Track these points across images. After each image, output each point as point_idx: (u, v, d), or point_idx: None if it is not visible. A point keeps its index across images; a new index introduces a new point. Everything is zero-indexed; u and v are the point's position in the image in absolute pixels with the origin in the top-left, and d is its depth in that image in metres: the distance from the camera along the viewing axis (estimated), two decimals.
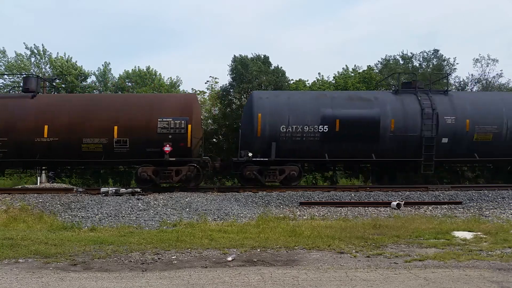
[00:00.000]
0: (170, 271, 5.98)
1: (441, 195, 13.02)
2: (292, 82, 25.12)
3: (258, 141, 14.22)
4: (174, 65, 65.04)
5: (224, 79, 46.22)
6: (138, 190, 13.40)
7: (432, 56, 29.20)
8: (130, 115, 13.83)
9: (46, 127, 13.64)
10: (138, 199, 12.27)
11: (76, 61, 28.41)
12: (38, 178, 20.94)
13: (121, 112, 13.90)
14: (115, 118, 13.77)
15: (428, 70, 28.67)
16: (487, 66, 28.91)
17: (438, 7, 65.59)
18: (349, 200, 12.49)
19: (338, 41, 70.31)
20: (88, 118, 13.77)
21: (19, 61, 27.64)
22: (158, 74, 30.61)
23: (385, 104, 14.50)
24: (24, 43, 35.25)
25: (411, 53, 29.71)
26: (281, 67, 24.34)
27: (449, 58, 29.23)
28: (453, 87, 29.30)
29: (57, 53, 28.74)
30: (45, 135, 13.60)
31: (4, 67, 27.69)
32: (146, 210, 11.10)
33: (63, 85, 26.94)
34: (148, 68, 30.10)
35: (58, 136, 13.61)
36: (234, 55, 24.40)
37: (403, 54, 29.89)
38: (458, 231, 8.76)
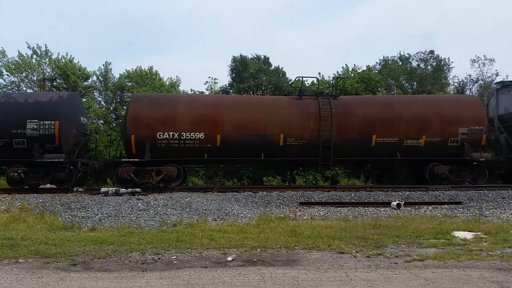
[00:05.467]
0: (170, 271, 5.98)
1: (441, 195, 13.02)
2: (291, 82, 25.13)
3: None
4: (174, 65, 65.09)
5: (224, 79, 46.24)
6: (138, 190, 13.40)
7: (429, 57, 29.24)
8: None
9: None
10: (138, 199, 12.27)
11: (78, 62, 28.46)
12: None
13: None
14: None
15: (427, 70, 28.70)
16: (484, 66, 28.97)
17: (437, 7, 65.63)
18: (349, 200, 12.49)
19: (338, 41, 70.34)
20: None
21: (21, 61, 27.63)
22: (158, 74, 30.59)
23: None
24: (26, 42, 35.11)
25: (408, 54, 29.77)
26: (282, 67, 24.34)
27: (445, 58, 29.33)
28: (452, 87, 29.34)
29: (58, 53, 28.78)
30: None
31: (4, 67, 27.66)
32: (146, 210, 11.10)
33: (64, 85, 26.93)
34: (150, 68, 30.09)
35: None
36: (234, 56, 24.45)
37: (400, 55, 29.93)
38: (458, 231, 8.76)
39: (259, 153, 14.38)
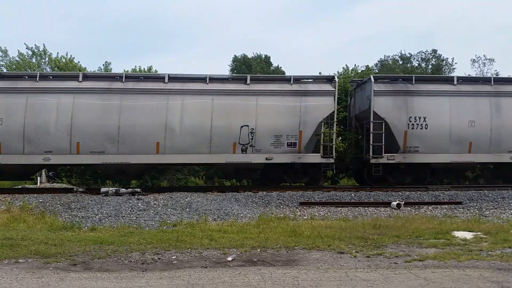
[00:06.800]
0: (170, 271, 5.98)
1: (441, 195, 13.02)
2: None
3: None
4: (174, 65, 65.14)
5: None
6: (138, 190, 13.40)
7: (431, 56, 29.24)
8: None
9: None
10: (138, 199, 12.27)
11: (78, 62, 28.45)
12: (38, 178, 20.89)
13: None
14: None
15: (428, 70, 28.70)
16: (484, 66, 29.03)
17: (437, 7, 65.67)
18: (349, 200, 12.49)
19: (338, 41, 70.36)
20: None
21: (21, 61, 27.64)
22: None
23: None
24: (24, 43, 35.22)
25: (409, 54, 29.76)
26: (281, 67, 24.34)
27: (447, 58, 29.34)
28: None
29: (58, 53, 28.77)
30: None
31: (5, 66, 27.67)
32: (146, 210, 11.10)
33: None
34: (150, 68, 30.06)
35: None
36: (235, 55, 24.44)
37: (401, 54, 29.92)
38: (458, 231, 8.76)
39: None
